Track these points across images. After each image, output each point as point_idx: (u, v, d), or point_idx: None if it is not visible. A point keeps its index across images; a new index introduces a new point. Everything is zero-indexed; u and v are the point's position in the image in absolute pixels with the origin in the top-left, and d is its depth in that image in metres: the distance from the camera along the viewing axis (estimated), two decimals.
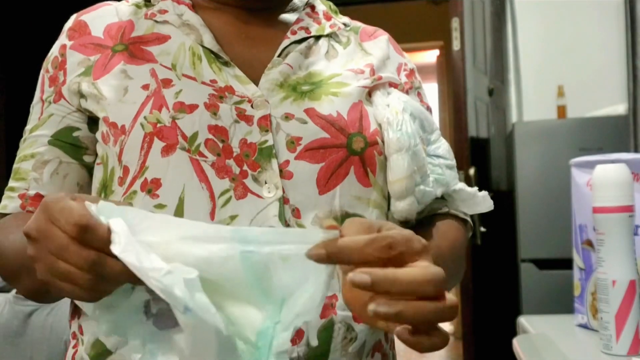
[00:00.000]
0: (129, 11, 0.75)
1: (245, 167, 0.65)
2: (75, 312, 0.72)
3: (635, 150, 2.31)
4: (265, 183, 0.65)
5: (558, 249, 2.26)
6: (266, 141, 0.66)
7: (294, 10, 0.80)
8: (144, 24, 0.74)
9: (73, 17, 0.77)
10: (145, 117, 0.66)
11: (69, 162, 0.73)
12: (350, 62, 0.77)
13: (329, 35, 0.78)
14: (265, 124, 0.67)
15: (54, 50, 0.75)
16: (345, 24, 0.82)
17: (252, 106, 0.67)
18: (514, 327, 1.51)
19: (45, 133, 0.73)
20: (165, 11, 0.74)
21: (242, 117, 0.67)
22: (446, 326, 5.46)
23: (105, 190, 0.70)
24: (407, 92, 0.79)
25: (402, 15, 5.17)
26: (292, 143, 0.67)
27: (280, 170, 0.65)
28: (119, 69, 0.69)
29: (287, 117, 0.68)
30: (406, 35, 5.39)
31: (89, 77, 0.70)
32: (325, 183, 0.67)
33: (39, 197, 0.72)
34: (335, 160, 0.68)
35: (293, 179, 0.66)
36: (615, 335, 0.93)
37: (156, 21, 0.74)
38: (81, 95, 0.71)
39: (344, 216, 0.67)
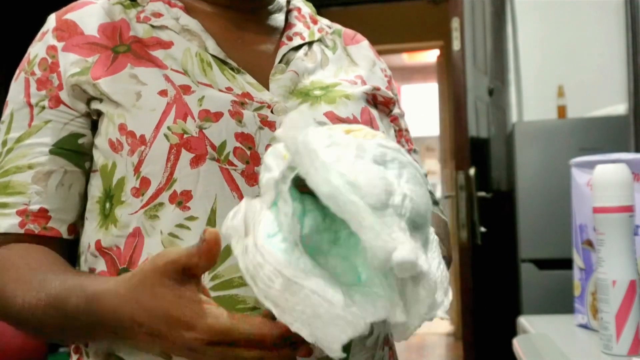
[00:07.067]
0: (116, 10, 0.71)
1: None
2: None
3: (636, 150, 2.31)
4: None
5: (558, 249, 2.26)
6: None
7: (279, 10, 0.81)
8: (140, 27, 0.71)
9: (54, 17, 0.72)
10: (169, 128, 0.64)
11: (73, 171, 0.69)
12: (340, 71, 0.79)
13: (319, 40, 0.80)
14: None
15: (39, 51, 0.70)
16: (328, 27, 0.84)
17: (271, 111, 0.68)
18: (514, 327, 1.51)
19: (44, 141, 0.68)
20: (160, 14, 0.71)
21: (265, 123, 0.67)
22: (446, 326, 5.45)
23: (111, 200, 0.66)
24: (393, 104, 0.82)
25: (402, 15, 5.17)
26: None
27: None
28: (127, 73, 0.66)
29: None
30: (406, 35, 5.40)
31: (86, 77, 0.66)
32: None
33: (43, 212, 0.67)
34: None
35: None
36: (615, 335, 0.92)
37: (152, 25, 0.71)
38: (92, 98, 0.67)
39: None
